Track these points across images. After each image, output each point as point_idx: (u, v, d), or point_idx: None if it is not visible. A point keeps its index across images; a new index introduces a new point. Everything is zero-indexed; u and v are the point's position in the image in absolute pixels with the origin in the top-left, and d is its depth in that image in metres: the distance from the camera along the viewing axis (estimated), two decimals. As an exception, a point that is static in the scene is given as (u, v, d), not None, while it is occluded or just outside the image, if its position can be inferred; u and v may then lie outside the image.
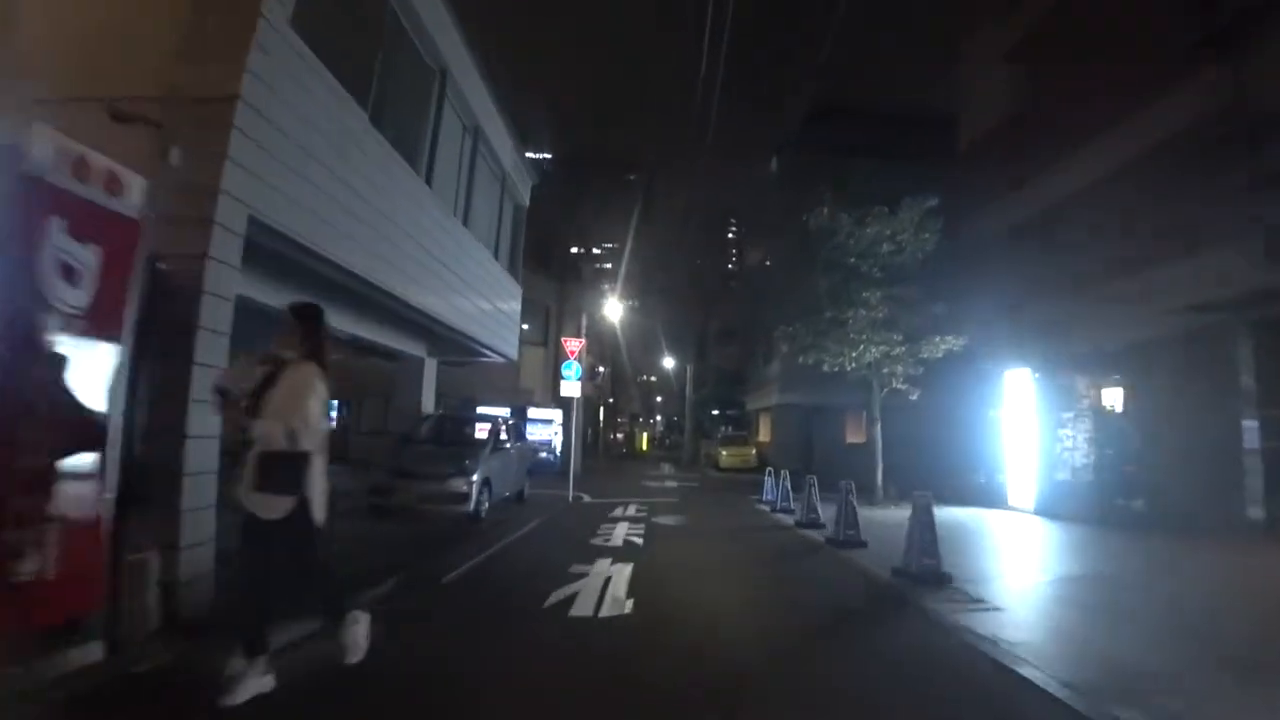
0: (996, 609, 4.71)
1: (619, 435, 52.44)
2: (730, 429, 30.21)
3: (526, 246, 22.58)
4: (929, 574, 5.43)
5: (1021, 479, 12.56)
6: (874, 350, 12.81)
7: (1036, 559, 7.26)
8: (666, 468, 26.28)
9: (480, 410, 19.06)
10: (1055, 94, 11.62)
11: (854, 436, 23.94)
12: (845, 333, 12.95)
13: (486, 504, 8.93)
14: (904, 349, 12.80)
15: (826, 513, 9.07)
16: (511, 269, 12.30)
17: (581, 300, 20.42)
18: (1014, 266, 12.90)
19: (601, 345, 27.01)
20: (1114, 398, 11.52)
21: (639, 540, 7.69)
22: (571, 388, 12.85)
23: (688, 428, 32.79)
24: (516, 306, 12.34)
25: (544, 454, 18.97)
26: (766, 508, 11.70)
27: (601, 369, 26.02)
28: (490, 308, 11.02)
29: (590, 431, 29.26)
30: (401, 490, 8.48)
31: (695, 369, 33.07)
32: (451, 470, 8.48)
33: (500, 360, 12.57)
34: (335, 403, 19.97)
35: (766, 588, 5.80)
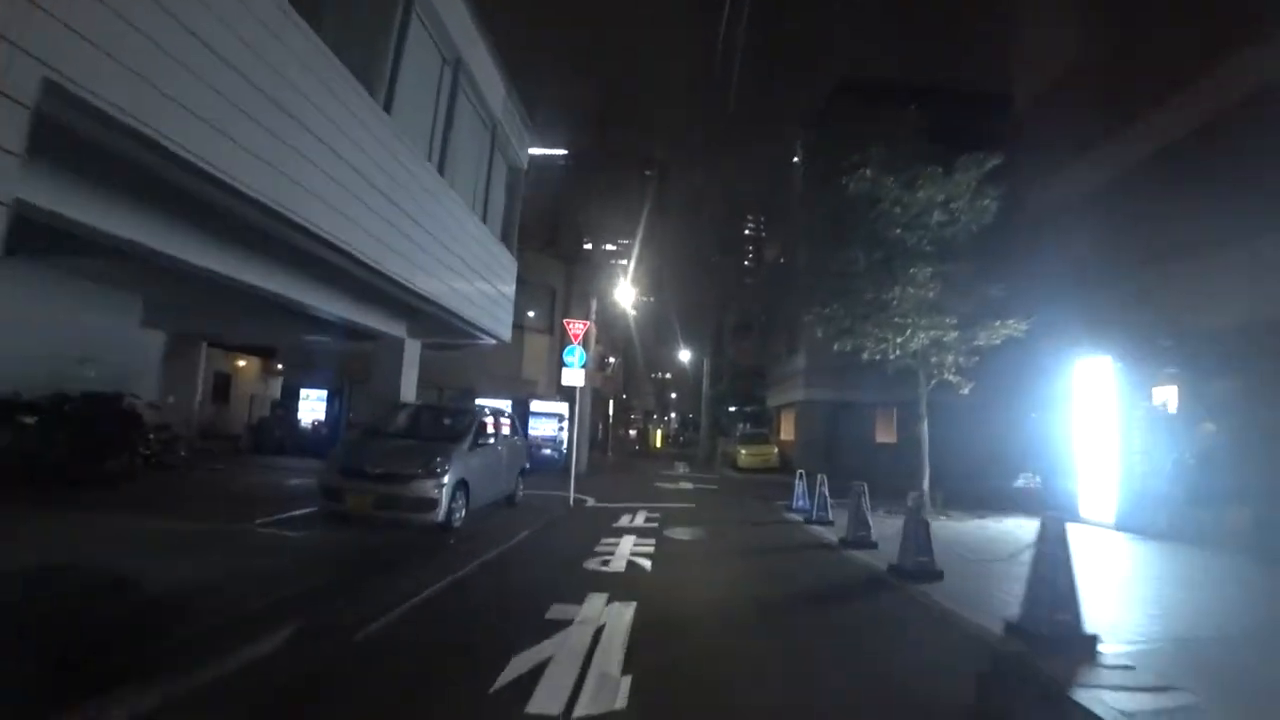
0: (1199, 708, 3.01)
1: (632, 432, 50.88)
2: (748, 426, 28.44)
3: (531, 226, 21.04)
4: (1066, 636, 3.71)
5: (1095, 487, 10.71)
6: (922, 336, 11.03)
7: (1181, 602, 5.47)
8: (681, 467, 24.60)
9: (479, 402, 17.59)
10: (1151, 22, 9.73)
11: (884, 436, 22.14)
12: (889, 316, 11.18)
13: (462, 512, 7.34)
14: (956, 335, 11.02)
15: (877, 528, 7.37)
16: (505, 239, 10.70)
17: (591, 284, 18.80)
18: (1092, 238, 11.01)
19: (613, 337, 25.35)
20: (1214, 390, 9.67)
21: (646, 563, 6.04)
22: (574, 376, 11.22)
23: (704, 424, 31.04)
24: (510, 281, 10.74)
25: (547, 450, 17.41)
26: (798, 518, 9.99)
27: (611, 359, 24.37)
28: (478, 279, 9.44)
29: (601, 427, 27.67)
30: (355, 493, 6.91)
31: (712, 363, 31.33)
32: (416, 470, 6.89)
33: (491, 343, 10.98)
34: (326, 393, 18.60)
35: (828, 653, 4.05)
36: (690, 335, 36.71)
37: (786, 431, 24.94)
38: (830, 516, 9.20)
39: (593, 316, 18.24)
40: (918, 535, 5.68)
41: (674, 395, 62.71)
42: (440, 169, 7.90)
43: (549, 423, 17.87)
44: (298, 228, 5.35)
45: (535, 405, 17.77)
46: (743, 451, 22.41)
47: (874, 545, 7.20)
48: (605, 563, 5.98)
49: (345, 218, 5.90)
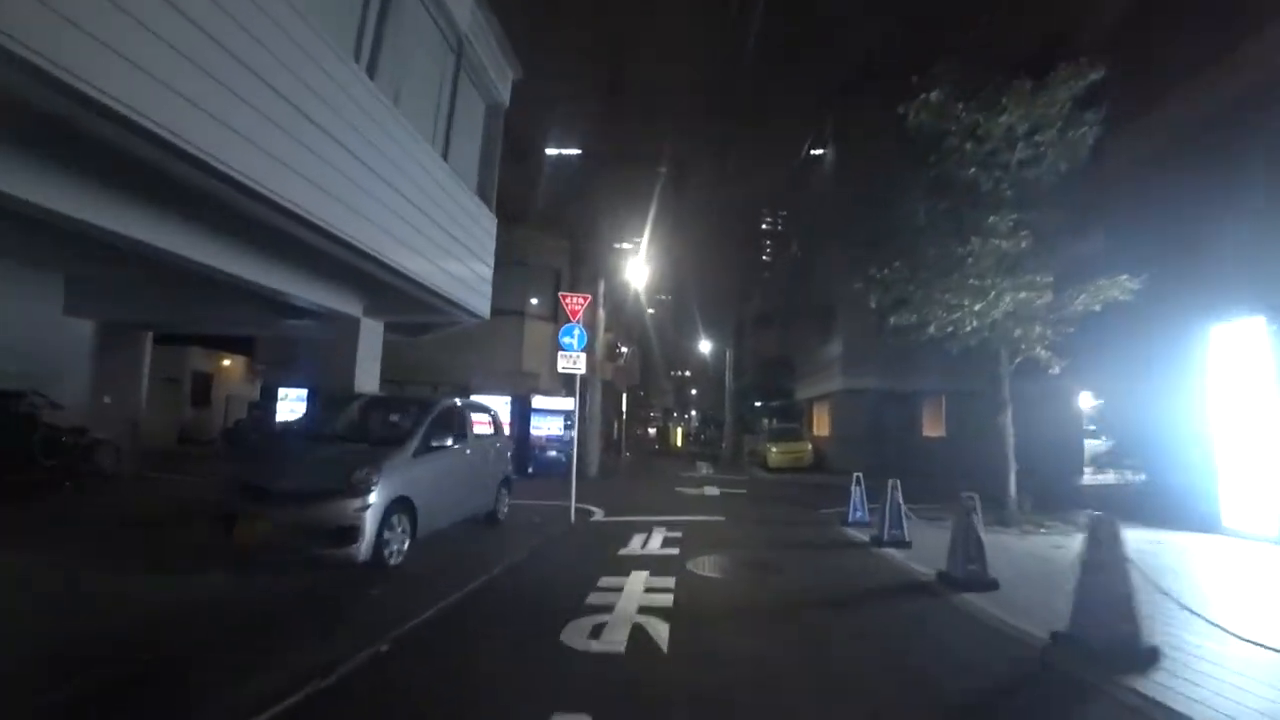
0: None
1: (651, 430, 48.75)
2: (775, 421, 26.06)
3: (531, 203, 18.98)
4: None
5: (1244, 488, 8.29)
6: (1006, 300, 8.72)
7: None
8: (704, 468, 22.36)
9: (474, 399, 15.55)
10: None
11: (932, 429, 19.76)
12: (963, 277, 8.88)
13: (403, 543, 5.26)
14: (1050, 298, 8.72)
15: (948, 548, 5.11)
16: (482, 194, 8.61)
17: (600, 265, 16.65)
18: (1230, 174, 8.59)
19: (624, 321, 23.18)
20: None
21: (661, 631, 3.87)
22: (572, 361, 9.12)
23: (727, 420, 28.74)
24: (489, 244, 8.64)
25: (552, 452, 15.34)
26: (861, 536, 7.71)
27: (624, 349, 22.21)
28: (443, 236, 7.37)
29: (616, 425, 25.55)
30: (249, 520, 4.86)
31: (735, 354, 28.99)
32: (328, 486, 4.82)
33: (470, 323, 8.92)
34: (307, 392, 16.77)
35: None
36: (710, 327, 34.42)
37: (820, 426, 22.59)
38: (906, 535, 6.96)
39: (601, 298, 16.19)
40: (1110, 585, 3.42)
41: (694, 391, 60.50)
42: (370, 73, 5.81)
43: (554, 421, 15.75)
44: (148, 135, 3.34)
45: (538, 401, 15.69)
46: (773, 449, 20.11)
47: (993, 585, 4.97)
48: (597, 630, 3.83)
49: (212, 118, 3.87)
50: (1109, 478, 12.30)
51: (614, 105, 18.18)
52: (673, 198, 20.99)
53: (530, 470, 15.11)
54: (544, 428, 15.63)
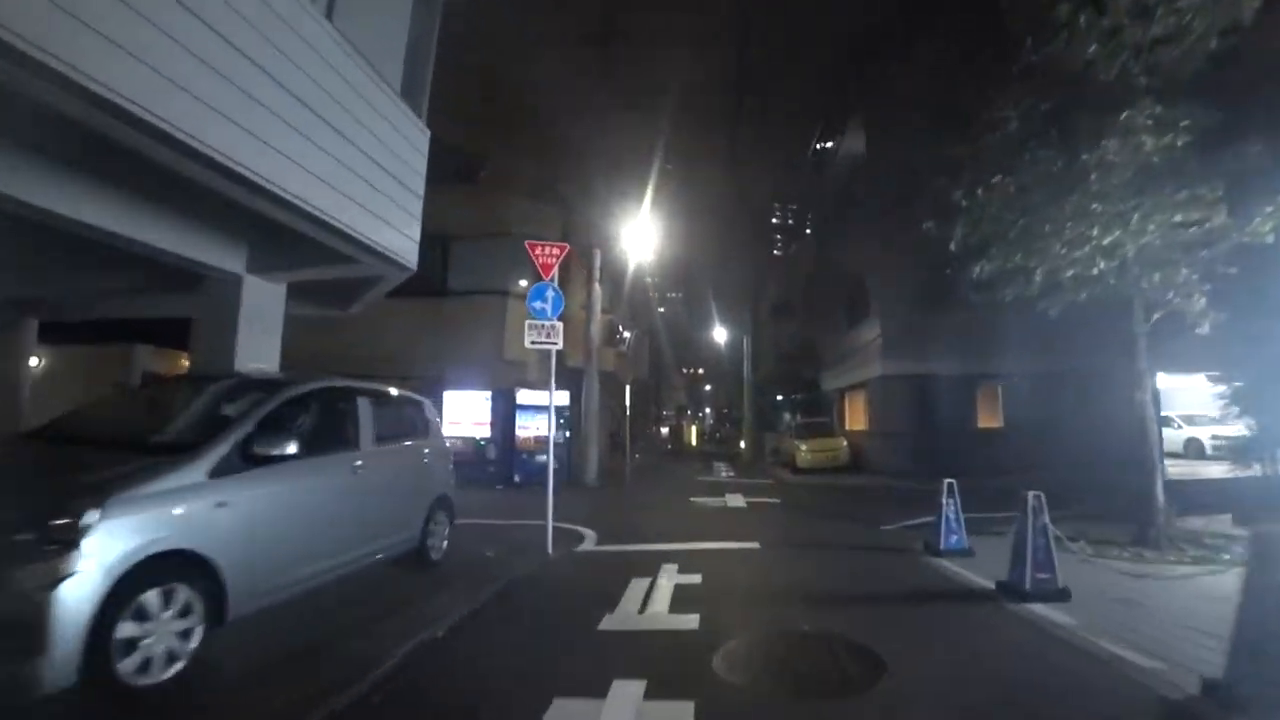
0: None
1: (663, 429, 46.21)
2: (800, 416, 23.40)
3: (516, 165, 16.59)
4: None
5: None
6: (1151, 228, 6.19)
7: None
8: (723, 470, 19.78)
9: (449, 395, 13.24)
10: None
11: (988, 419, 17.06)
12: (1084, 198, 6.34)
13: (189, 639, 2.78)
14: (1221, 219, 6.16)
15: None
16: (410, 96, 6.15)
17: (595, 234, 14.15)
18: None
19: (625, 301, 20.61)
20: None
21: None
22: (544, 332, 6.65)
23: (747, 416, 26.11)
24: (418, 164, 6.16)
25: (542, 457, 12.83)
26: (971, 575, 5.12)
27: (627, 333, 19.67)
28: (336, 141, 4.94)
29: (622, 422, 23.01)
30: None
31: (753, 342, 26.34)
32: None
33: (390, 274, 6.45)
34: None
35: None
36: (725, 315, 31.94)
37: (854, 420, 19.95)
38: (1058, 579, 4.38)
39: (597, 271, 13.73)
40: None
41: (708, 388, 58.01)
42: None
43: (545, 419, 13.26)
44: None
45: (525, 396, 13.26)
46: (802, 448, 17.48)
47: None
48: None
49: None
50: (1248, 471, 9.60)
51: (610, 59, 15.67)
52: (679, 173, 18.43)
53: (517, 479, 12.70)
54: (532, 427, 13.18)
